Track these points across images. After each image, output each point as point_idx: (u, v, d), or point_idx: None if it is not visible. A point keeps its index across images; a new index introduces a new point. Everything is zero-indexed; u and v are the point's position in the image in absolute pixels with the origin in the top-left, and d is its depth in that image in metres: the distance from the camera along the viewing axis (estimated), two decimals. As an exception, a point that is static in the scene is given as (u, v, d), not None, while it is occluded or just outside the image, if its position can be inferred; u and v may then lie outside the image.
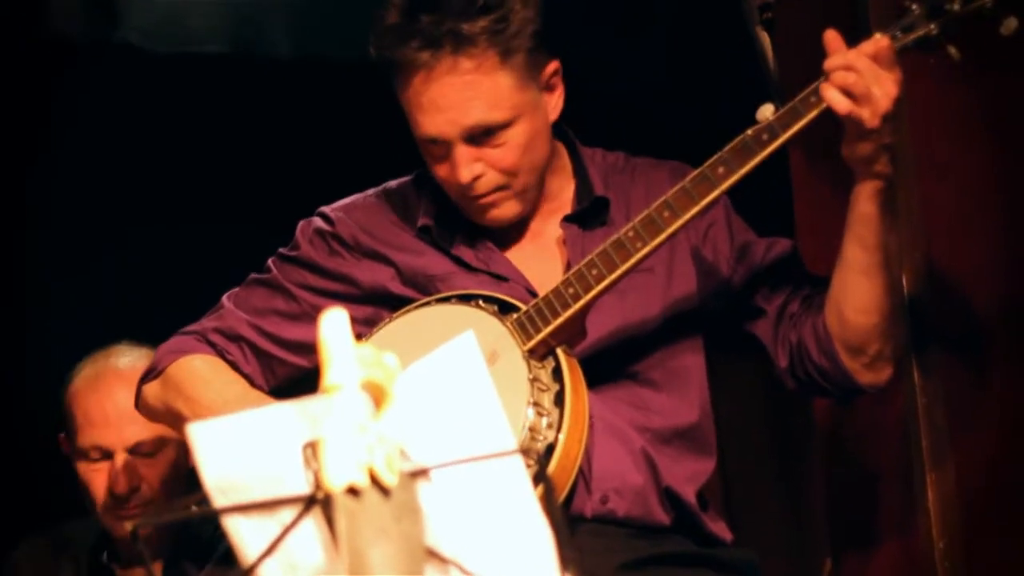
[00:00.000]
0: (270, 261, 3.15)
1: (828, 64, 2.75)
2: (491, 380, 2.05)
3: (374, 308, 3.03)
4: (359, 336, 2.89)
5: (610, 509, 2.90)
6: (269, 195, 4.23)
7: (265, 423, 1.94)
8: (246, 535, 1.93)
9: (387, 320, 2.99)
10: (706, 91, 4.09)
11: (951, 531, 3.22)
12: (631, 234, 2.85)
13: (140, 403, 3.18)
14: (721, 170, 2.82)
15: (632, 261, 2.85)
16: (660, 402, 2.98)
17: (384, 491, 1.89)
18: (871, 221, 2.82)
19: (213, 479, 1.94)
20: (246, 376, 3.10)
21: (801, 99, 2.79)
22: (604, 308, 2.93)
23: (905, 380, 3.27)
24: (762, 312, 3.02)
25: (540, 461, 2.72)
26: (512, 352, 2.86)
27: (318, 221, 3.12)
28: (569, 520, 2.78)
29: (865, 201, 2.81)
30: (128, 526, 3.64)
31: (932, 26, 2.75)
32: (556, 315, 2.86)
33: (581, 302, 2.86)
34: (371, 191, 3.16)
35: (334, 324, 1.91)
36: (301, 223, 3.15)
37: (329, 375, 1.90)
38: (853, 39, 2.79)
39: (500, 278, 3.01)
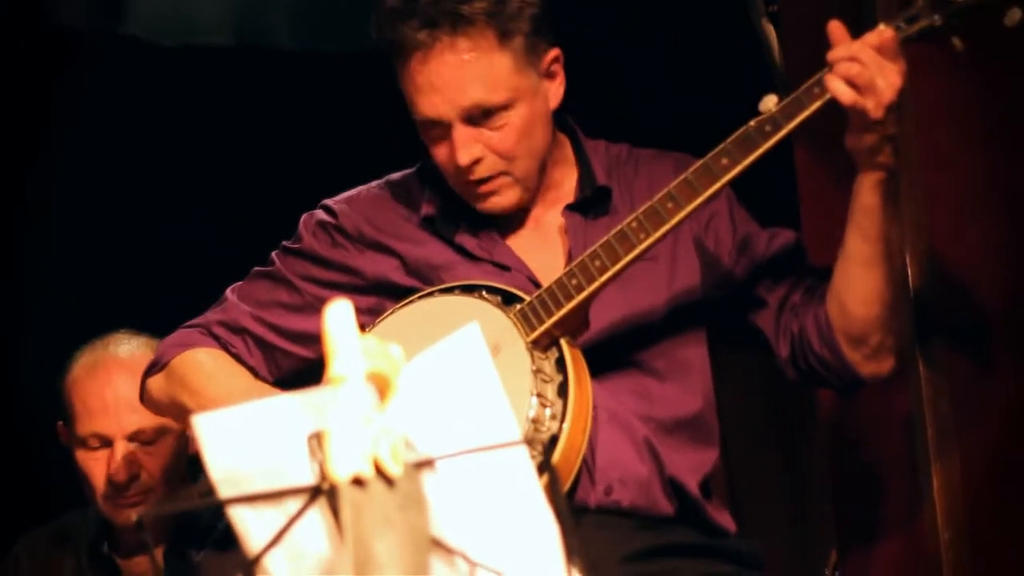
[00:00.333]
0: (273, 254, 3.15)
1: (832, 55, 2.75)
2: (495, 371, 2.05)
3: (378, 298, 3.03)
4: (363, 326, 2.90)
5: (614, 500, 2.90)
6: (273, 187, 4.23)
7: (270, 414, 1.94)
8: (251, 526, 1.93)
9: (390, 311, 2.99)
10: (711, 82, 4.09)
11: (956, 522, 3.22)
12: (634, 225, 2.85)
13: (145, 397, 3.19)
14: (724, 161, 2.82)
15: (635, 252, 2.85)
16: (663, 391, 2.98)
17: (389, 482, 1.89)
18: (873, 212, 2.82)
19: (218, 470, 1.94)
20: (250, 368, 3.10)
21: (805, 90, 2.79)
22: (607, 298, 2.93)
23: (910, 371, 3.27)
24: (764, 303, 3.02)
25: (544, 452, 2.73)
26: (515, 343, 2.86)
27: (321, 213, 3.13)
28: (573, 511, 2.78)
29: (868, 192, 2.82)
30: (133, 515, 3.64)
31: (936, 17, 2.76)
32: (559, 306, 2.87)
33: (584, 293, 2.86)
34: (374, 183, 3.17)
35: (339, 315, 1.91)
36: (304, 216, 3.15)
37: (334, 366, 1.90)
38: (858, 31, 2.79)
39: (503, 267, 3.01)
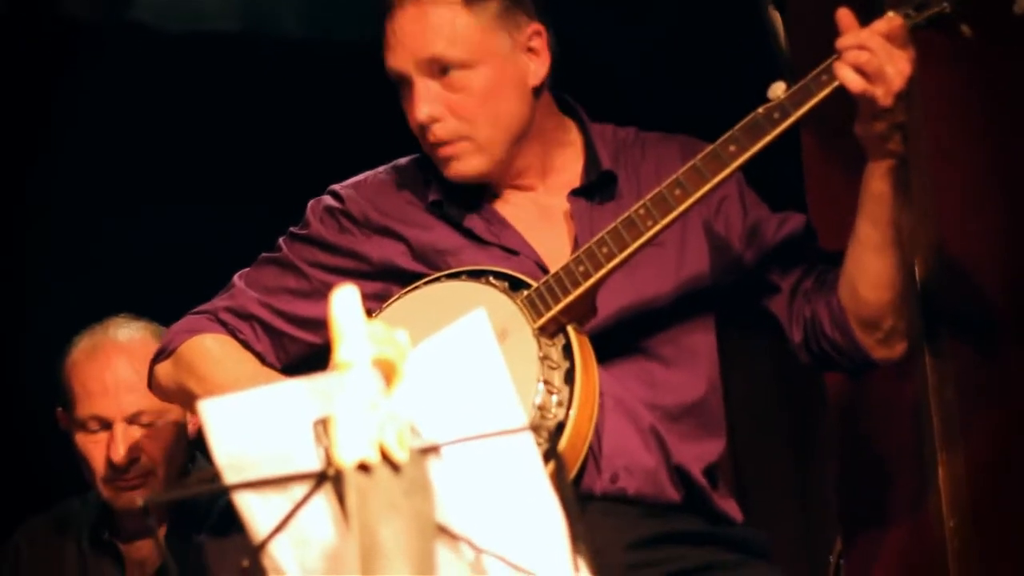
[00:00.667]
0: (281, 240, 3.15)
1: (841, 43, 2.75)
2: (502, 358, 2.05)
3: (384, 284, 3.03)
4: (369, 312, 2.90)
5: (620, 487, 2.90)
6: (280, 175, 4.23)
7: (276, 400, 1.94)
8: (257, 512, 1.94)
9: (396, 296, 2.99)
10: (717, 69, 4.08)
11: (962, 510, 3.22)
12: (642, 212, 2.85)
13: (152, 383, 3.19)
14: (732, 148, 2.82)
15: (643, 239, 2.85)
16: (669, 378, 2.98)
17: (395, 468, 1.90)
18: (883, 199, 2.82)
19: (224, 456, 1.94)
20: (257, 354, 3.10)
21: (813, 78, 2.79)
22: (615, 284, 2.92)
23: (916, 360, 3.27)
24: (776, 288, 3.02)
25: (550, 439, 2.73)
26: (522, 330, 2.86)
27: (328, 199, 3.13)
28: (579, 498, 2.78)
29: (878, 180, 2.82)
30: (139, 499, 3.64)
31: (945, 4, 2.75)
32: (566, 293, 2.86)
33: (591, 280, 2.86)
34: (381, 168, 3.17)
35: (345, 301, 1.91)
36: (311, 202, 3.15)
37: (340, 352, 1.91)
38: (866, 19, 2.78)
39: (511, 252, 3.01)
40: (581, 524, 2.02)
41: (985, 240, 3.27)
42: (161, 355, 3.15)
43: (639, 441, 2.93)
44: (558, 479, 2.06)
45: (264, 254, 3.16)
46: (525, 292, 2.89)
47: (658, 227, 2.85)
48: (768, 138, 2.80)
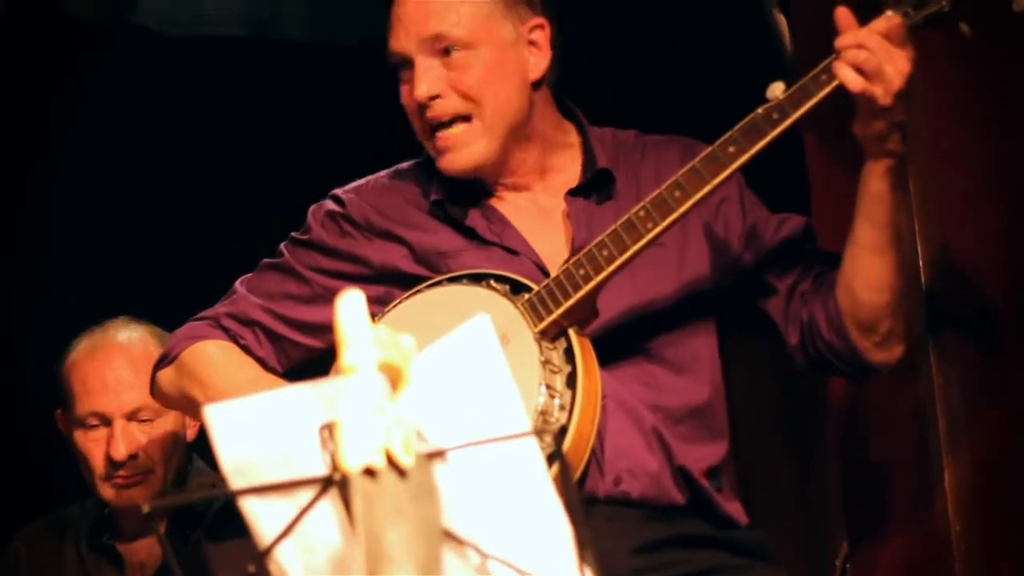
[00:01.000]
0: (282, 245, 3.15)
1: (840, 42, 2.74)
2: (506, 363, 2.05)
3: (386, 287, 3.03)
4: (372, 316, 2.89)
5: (624, 490, 2.89)
6: (281, 178, 4.23)
7: (282, 405, 1.94)
8: (263, 516, 1.93)
9: (397, 301, 2.99)
10: (720, 71, 4.08)
11: (967, 514, 3.22)
12: (641, 214, 2.85)
13: (155, 389, 3.19)
14: (732, 149, 2.81)
15: (643, 242, 2.85)
16: (672, 381, 2.98)
17: (401, 472, 1.89)
18: (882, 199, 2.81)
19: (230, 461, 1.94)
20: (259, 359, 3.11)
21: (812, 77, 2.78)
22: (616, 287, 2.92)
23: (921, 363, 3.26)
24: (773, 289, 3.02)
25: (554, 442, 2.73)
26: (523, 334, 2.86)
27: (329, 203, 3.13)
28: (583, 502, 2.78)
29: (876, 179, 2.81)
30: (138, 498, 3.65)
31: (944, 2, 2.74)
32: (567, 296, 2.86)
33: (592, 283, 2.86)
34: (383, 172, 3.18)
35: (351, 305, 1.91)
36: (313, 207, 3.15)
37: (346, 356, 1.90)
38: (867, 19, 2.77)
39: (512, 252, 3.01)
40: (586, 528, 2.01)
41: (987, 241, 3.27)
42: (163, 361, 3.15)
43: (642, 443, 2.93)
44: (563, 482, 2.06)
45: (265, 260, 3.16)
46: (526, 296, 2.89)
47: (658, 229, 2.84)
48: (767, 139, 2.80)
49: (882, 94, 2.70)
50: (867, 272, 2.87)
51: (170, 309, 3.28)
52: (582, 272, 2.86)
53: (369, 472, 1.88)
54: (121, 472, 3.68)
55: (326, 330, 3.00)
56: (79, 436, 3.73)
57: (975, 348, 3.28)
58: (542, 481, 2.04)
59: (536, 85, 3.02)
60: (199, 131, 4.40)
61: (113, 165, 4.39)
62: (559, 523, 2.02)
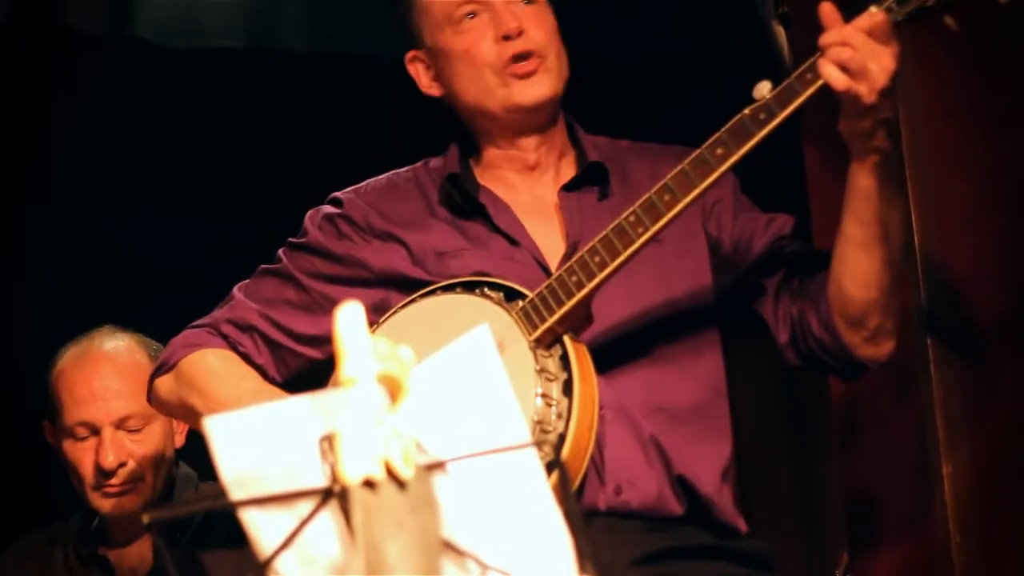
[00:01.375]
0: (280, 251, 3.16)
1: (823, 40, 2.72)
2: (505, 374, 2.05)
3: (384, 292, 3.04)
4: (369, 324, 2.90)
5: (624, 500, 2.89)
6: (282, 190, 4.23)
7: (281, 416, 1.94)
8: (263, 528, 1.93)
9: (392, 311, 2.99)
10: (720, 84, 4.08)
11: (967, 523, 3.22)
12: (632, 219, 2.85)
13: (152, 397, 3.19)
14: (720, 151, 2.81)
15: (634, 247, 2.85)
16: (675, 380, 2.98)
17: (400, 484, 1.89)
18: (869, 195, 2.80)
19: (230, 472, 1.94)
20: (258, 368, 3.11)
21: (797, 76, 2.76)
22: (613, 291, 2.93)
23: (921, 370, 3.27)
24: (762, 288, 3.02)
25: (553, 451, 2.73)
26: (518, 342, 2.86)
27: (326, 207, 3.15)
28: (583, 513, 2.78)
29: (863, 176, 2.79)
30: (145, 517, 3.64)
31: None
32: (560, 303, 2.87)
33: (584, 290, 2.86)
34: (381, 176, 3.19)
35: (350, 317, 1.91)
36: (310, 211, 3.17)
37: (345, 368, 1.90)
38: (855, 14, 2.75)
39: (513, 242, 3.03)
40: (586, 540, 2.01)
41: (986, 246, 3.27)
42: (161, 369, 3.15)
43: (641, 454, 2.93)
44: (562, 490, 2.06)
45: (263, 266, 3.17)
46: (520, 304, 2.89)
47: (649, 234, 2.85)
48: (755, 140, 2.79)
49: (867, 92, 2.69)
50: (855, 268, 2.86)
51: (168, 320, 3.28)
52: (575, 279, 2.87)
53: (369, 484, 1.88)
54: (111, 481, 3.69)
55: (324, 341, 3.01)
56: (68, 446, 3.74)
57: (975, 355, 3.28)
58: (542, 492, 2.03)
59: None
60: (198, 142, 4.41)
61: (113, 176, 4.39)
62: (559, 534, 2.02)
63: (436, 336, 2.10)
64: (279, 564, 1.93)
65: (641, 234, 2.84)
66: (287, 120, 4.45)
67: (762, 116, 2.78)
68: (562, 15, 3.09)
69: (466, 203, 3.07)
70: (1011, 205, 3.27)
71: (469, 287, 2.94)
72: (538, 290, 2.89)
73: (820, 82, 2.72)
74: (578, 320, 2.90)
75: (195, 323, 3.16)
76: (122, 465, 3.69)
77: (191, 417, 3.14)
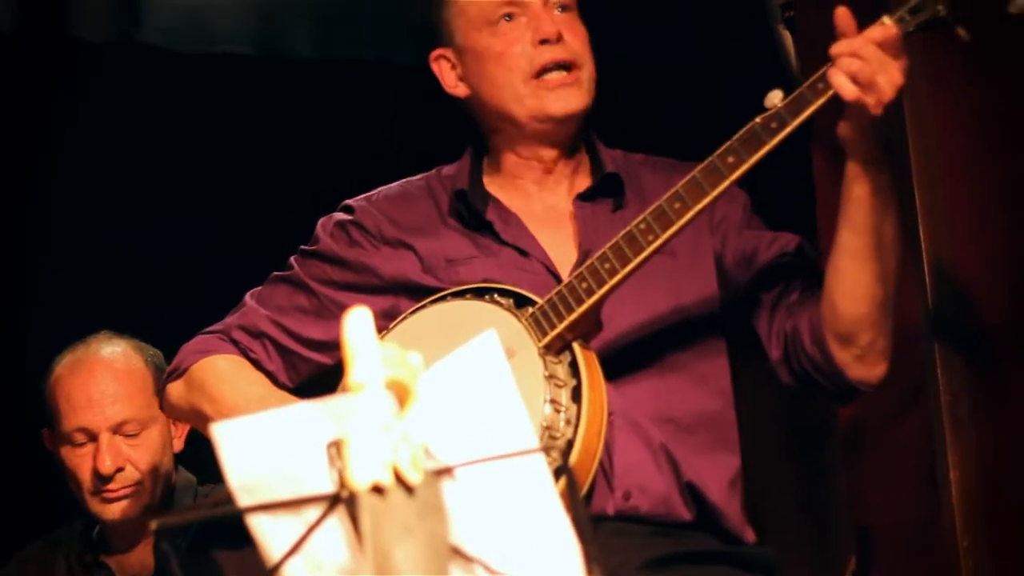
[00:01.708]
0: (292, 258, 3.17)
1: (835, 49, 2.72)
2: (513, 379, 2.05)
3: (394, 299, 3.04)
4: (378, 330, 2.90)
5: (633, 506, 2.89)
6: (289, 197, 4.23)
7: (289, 422, 1.94)
8: (271, 534, 1.93)
9: (402, 317, 3.00)
10: (727, 90, 4.08)
11: (975, 529, 3.22)
12: (643, 227, 2.85)
13: (164, 402, 3.20)
14: (731, 160, 2.81)
15: (644, 254, 2.85)
16: (683, 390, 2.98)
17: (409, 489, 1.89)
18: (862, 203, 2.79)
19: (238, 478, 1.94)
20: (269, 374, 3.11)
21: (809, 86, 2.76)
22: (624, 299, 2.93)
23: (928, 377, 3.26)
24: (759, 303, 3.01)
25: (561, 457, 2.73)
26: (528, 349, 2.86)
27: (338, 214, 3.15)
28: (592, 519, 2.78)
29: (858, 184, 2.78)
30: (152, 524, 3.63)
31: (940, 7, 2.71)
32: (570, 310, 2.87)
33: (594, 297, 2.86)
34: (394, 183, 3.19)
35: (358, 323, 1.91)
36: (322, 219, 3.17)
37: (353, 374, 1.91)
38: (868, 22, 2.75)
39: (523, 253, 3.03)
40: (594, 544, 2.01)
41: (993, 256, 3.27)
42: (173, 374, 3.16)
43: (651, 460, 2.92)
44: (570, 496, 2.06)
45: (275, 273, 3.17)
46: (530, 310, 2.89)
47: (659, 241, 2.85)
48: (766, 149, 2.78)
49: (873, 104, 2.69)
50: (847, 280, 2.85)
51: (169, 326, 3.28)
52: (585, 285, 2.87)
53: (377, 489, 1.88)
54: (109, 486, 3.68)
55: (334, 347, 3.01)
56: (66, 453, 3.73)
57: (982, 360, 3.28)
58: (550, 497, 2.03)
59: None
60: (207, 149, 4.41)
61: (121, 182, 4.39)
62: (567, 539, 2.02)
63: (446, 342, 2.10)
64: (287, 570, 1.93)
65: (651, 241, 2.84)
66: (294, 126, 4.45)
67: (774, 125, 2.77)
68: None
69: (473, 219, 3.07)
70: (1018, 214, 3.27)
71: (479, 293, 2.95)
72: (548, 296, 2.89)
73: (832, 92, 2.72)
74: (588, 327, 2.90)
75: (207, 329, 3.16)
76: (120, 470, 3.69)
77: (201, 422, 3.14)
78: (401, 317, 3.00)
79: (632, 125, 3.24)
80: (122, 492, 3.69)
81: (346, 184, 3.23)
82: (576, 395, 2.82)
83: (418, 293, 3.01)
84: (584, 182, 3.12)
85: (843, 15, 2.73)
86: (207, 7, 4.28)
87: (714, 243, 3.06)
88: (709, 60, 4.28)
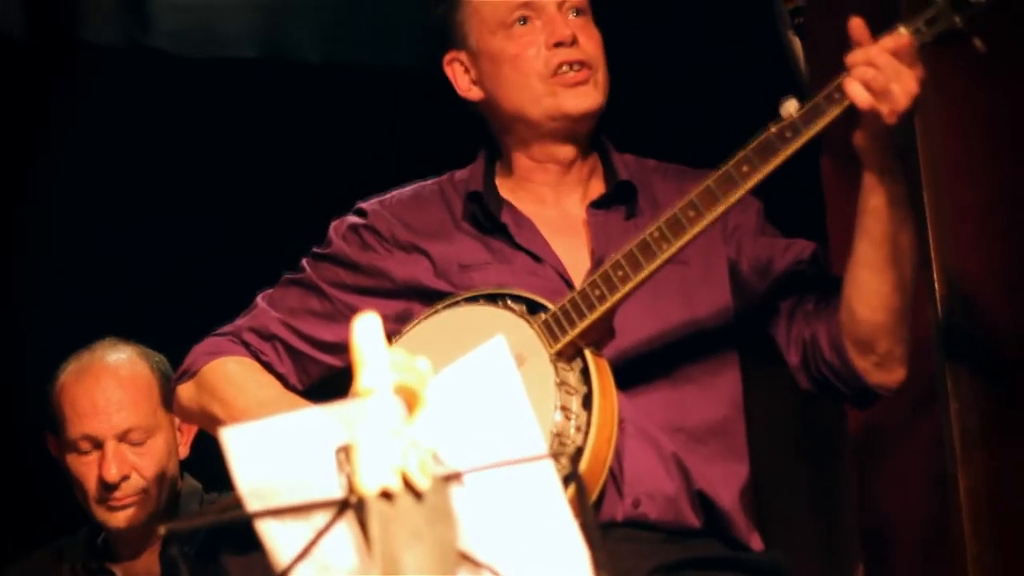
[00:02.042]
0: (304, 261, 3.17)
1: (850, 58, 2.72)
2: (522, 385, 2.05)
3: (406, 303, 3.04)
4: (390, 334, 2.90)
5: (642, 513, 2.89)
6: (295, 200, 4.24)
7: (299, 427, 1.94)
8: (280, 539, 1.93)
9: (414, 322, 3.00)
10: (737, 95, 4.08)
11: (984, 536, 3.21)
12: (656, 234, 2.85)
13: (175, 404, 3.20)
14: (745, 168, 2.81)
15: (657, 262, 2.85)
16: (694, 399, 2.98)
17: (417, 495, 1.89)
18: (879, 215, 2.79)
19: (247, 483, 1.94)
20: (280, 376, 3.11)
21: (825, 95, 2.76)
22: (637, 308, 2.93)
23: (938, 385, 3.26)
24: (776, 310, 3.01)
25: (571, 464, 2.72)
26: (539, 355, 2.86)
27: (351, 217, 3.16)
28: (601, 526, 2.77)
29: (874, 195, 2.78)
30: (161, 529, 3.63)
31: (957, 18, 2.71)
32: (583, 317, 2.87)
33: (607, 304, 2.86)
34: (406, 187, 3.19)
35: (367, 328, 1.91)
36: (335, 221, 3.17)
37: (362, 379, 1.90)
38: (883, 31, 2.74)
39: (536, 259, 3.03)
40: (603, 551, 2.01)
41: (1003, 265, 3.26)
42: (183, 376, 3.16)
43: (661, 467, 2.92)
44: (579, 504, 2.05)
45: (287, 275, 3.17)
46: (543, 316, 2.89)
47: (672, 249, 2.84)
48: (781, 158, 2.78)
49: (887, 113, 2.69)
50: (865, 289, 2.85)
51: (177, 327, 3.28)
52: (597, 293, 2.86)
53: (385, 495, 1.87)
54: (115, 494, 3.67)
55: (346, 349, 2.99)
56: (71, 460, 3.72)
57: (992, 370, 3.27)
58: (559, 503, 2.03)
59: None
60: (210, 150, 4.41)
61: (128, 186, 4.39)
62: (576, 545, 2.02)
63: (457, 347, 2.10)
64: (296, 575, 1.93)
65: (665, 249, 2.84)
66: (299, 129, 4.45)
67: (788, 134, 2.77)
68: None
69: (487, 222, 3.07)
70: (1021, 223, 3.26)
71: (492, 299, 2.95)
72: (560, 303, 2.89)
73: (847, 102, 2.72)
74: (600, 334, 2.90)
75: (218, 331, 3.17)
76: (125, 478, 3.67)
77: (211, 425, 3.14)
78: (414, 322, 3.00)
79: (632, 125, 3.23)
80: (128, 500, 3.69)
81: (351, 187, 3.23)
82: (587, 402, 2.82)
83: (430, 297, 3.01)
84: (597, 188, 3.11)
85: (857, 25, 2.73)
86: (213, 11, 4.28)
87: (728, 251, 3.05)
88: (711, 63, 4.28)
